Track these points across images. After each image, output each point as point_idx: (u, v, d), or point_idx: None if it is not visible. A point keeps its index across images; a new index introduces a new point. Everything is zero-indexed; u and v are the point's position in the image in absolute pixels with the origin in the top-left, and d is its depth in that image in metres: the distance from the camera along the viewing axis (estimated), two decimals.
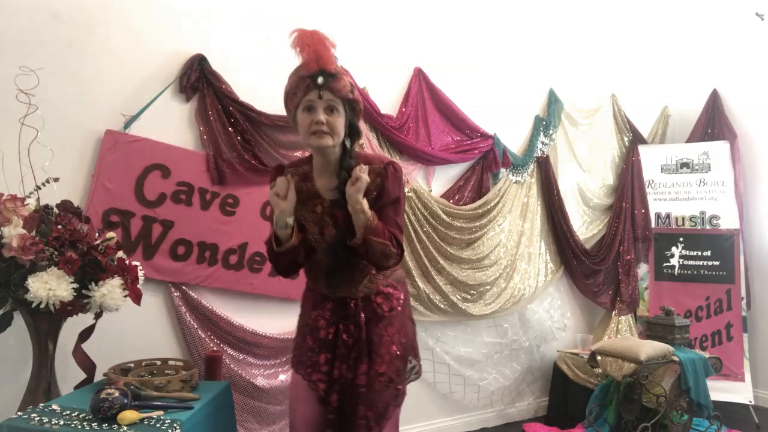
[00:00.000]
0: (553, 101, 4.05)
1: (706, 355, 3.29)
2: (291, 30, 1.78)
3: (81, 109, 2.46)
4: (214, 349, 2.69)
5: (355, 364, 1.88)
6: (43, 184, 2.08)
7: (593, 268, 4.18)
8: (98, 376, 2.19)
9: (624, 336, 4.10)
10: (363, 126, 3.17)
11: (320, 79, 1.76)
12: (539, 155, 3.97)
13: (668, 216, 4.37)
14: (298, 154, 2.99)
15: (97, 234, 2.09)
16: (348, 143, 1.84)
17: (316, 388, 1.90)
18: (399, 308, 1.97)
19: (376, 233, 1.77)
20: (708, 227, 4.26)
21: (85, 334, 2.17)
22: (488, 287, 3.68)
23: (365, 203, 1.75)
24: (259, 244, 2.83)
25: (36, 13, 2.37)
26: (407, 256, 3.31)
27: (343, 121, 1.80)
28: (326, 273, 1.90)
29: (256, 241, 2.84)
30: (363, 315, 1.91)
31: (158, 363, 2.34)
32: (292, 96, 1.81)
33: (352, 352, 1.89)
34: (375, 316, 1.92)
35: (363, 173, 1.73)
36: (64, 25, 2.43)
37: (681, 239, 4.30)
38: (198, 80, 2.71)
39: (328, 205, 1.87)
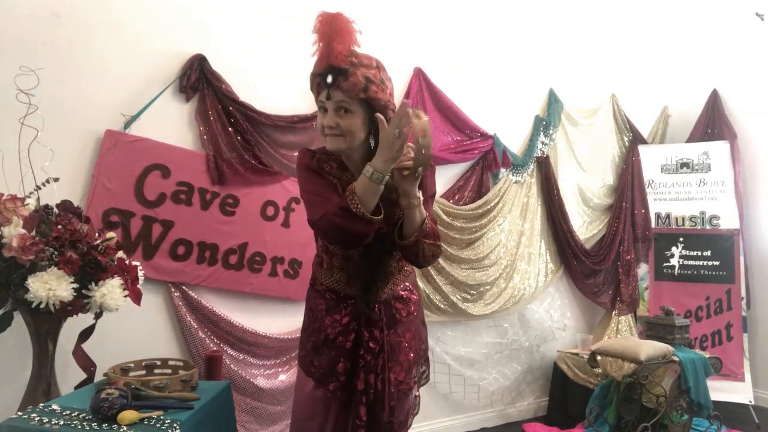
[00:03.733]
0: (553, 101, 4.05)
1: (706, 355, 3.29)
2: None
3: (81, 109, 2.46)
4: (214, 349, 2.69)
5: (383, 373, 1.75)
6: (43, 184, 2.08)
7: (593, 268, 4.18)
8: (98, 376, 2.19)
9: (624, 336, 4.10)
10: None
11: (329, 78, 1.62)
12: (539, 155, 3.97)
13: (668, 216, 4.37)
14: (297, 154, 2.99)
15: (97, 234, 2.09)
16: (373, 142, 1.68)
17: (334, 398, 1.77)
18: (415, 313, 1.87)
19: (429, 235, 1.66)
20: (708, 227, 4.26)
21: (85, 334, 2.17)
22: (488, 287, 3.68)
23: (421, 197, 1.63)
24: (259, 244, 2.84)
25: (36, 13, 2.37)
26: None
27: (360, 121, 1.65)
28: (363, 274, 1.76)
29: (256, 241, 2.84)
30: (386, 321, 1.79)
31: (158, 363, 2.34)
32: (312, 92, 1.72)
33: (379, 359, 1.76)
34: (393, 321, 1.81)
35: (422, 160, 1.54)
36: (64, 25, 2.43)
37: (681, 239, 4.29)
38: (198, 80, 2.70)
39: None
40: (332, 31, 1.62)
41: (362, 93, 1.61)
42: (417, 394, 1.90)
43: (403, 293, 1.85)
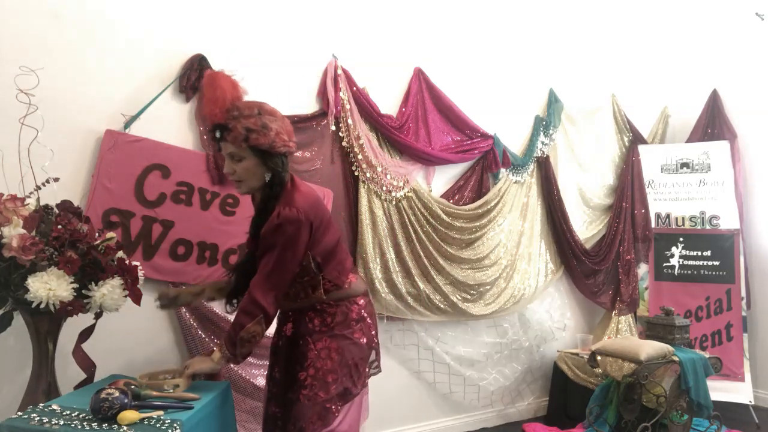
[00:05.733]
0: (553, 101, 4.05)
1: (706, 355, 3.29)
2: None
3: (81, 109, 2.46)
4: (215, 349, 2.68)
5: (271, 368, 2.14)
6: (43, 184, 2.08)
7: (593, 268, 4.18)
8: (98, 376, 2.19)
9: (624, 336, 4.10)
10: (363, 126, 3.18)
11: (217, 134, 1.90)
12: (539, 155, 3.97)
13: (668, 216, 4.37)
14: (298, 154, 2.99)
15: (97, 234, 2.09)
16: (271, 183, 1.95)
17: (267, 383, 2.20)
18: (332, 325, 2.03)
19: (231, 345, 1.97)
20: (708, 227, 4.26)
21: (85, 334, 2.17)
22: (488, 287, 3.68)
23: (202, 366, 2.05)
24: None
25: (36, 13, 2.37)
26: (407, 255, 3.31)
27: (252, 166, 1.91)
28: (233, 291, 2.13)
29: None
30: (293, 327, 2.08)
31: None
32: None
33: (276, 358, 2.14)
34: (306, 330, 2.04)
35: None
36: (64, 25, 2.43)
37: (681, 239, 4.29)
38: (198, 80, 2.70)
39: None
40: (210, 94, 1.90)
41: (244, 143, 1.86)
42: (330, 405, 1.96)
43: (319, 306, 2.05)
